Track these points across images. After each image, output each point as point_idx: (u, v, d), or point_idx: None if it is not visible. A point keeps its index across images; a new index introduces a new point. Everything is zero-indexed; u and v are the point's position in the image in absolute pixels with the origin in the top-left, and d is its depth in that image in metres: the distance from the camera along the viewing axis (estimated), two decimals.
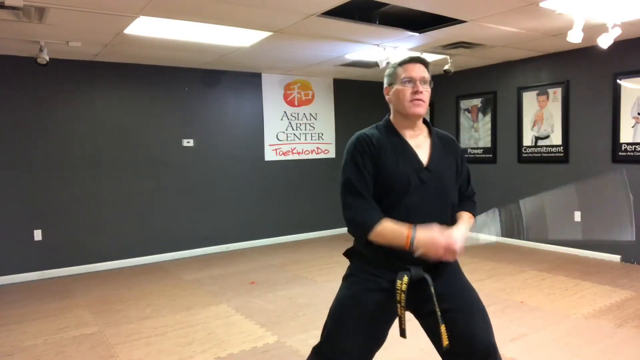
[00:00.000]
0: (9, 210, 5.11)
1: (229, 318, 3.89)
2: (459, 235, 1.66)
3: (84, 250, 5.51)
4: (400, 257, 1.67)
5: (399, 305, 1.67)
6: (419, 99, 1.75)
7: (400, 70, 1.79)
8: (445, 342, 1.67)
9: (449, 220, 1.77)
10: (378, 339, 1.80)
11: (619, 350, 3.10)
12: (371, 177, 1.72)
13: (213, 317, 3.93)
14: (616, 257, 5.33)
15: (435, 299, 1.68)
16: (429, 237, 1.62)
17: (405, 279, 1.66)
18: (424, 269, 1.70)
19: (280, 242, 6.89)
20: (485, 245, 1.79)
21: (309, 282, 4.84)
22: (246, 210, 6.63)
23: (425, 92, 1.77)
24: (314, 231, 7.13)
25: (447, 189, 1.80)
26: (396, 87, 1.79)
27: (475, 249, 6.08)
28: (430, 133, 1.86)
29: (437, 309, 1.68)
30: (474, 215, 1.89)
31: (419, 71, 1.77)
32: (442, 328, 1.67)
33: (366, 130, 1.83)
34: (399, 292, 1.66)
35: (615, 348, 3.13)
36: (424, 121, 1.89)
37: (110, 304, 4.34)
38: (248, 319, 3.85)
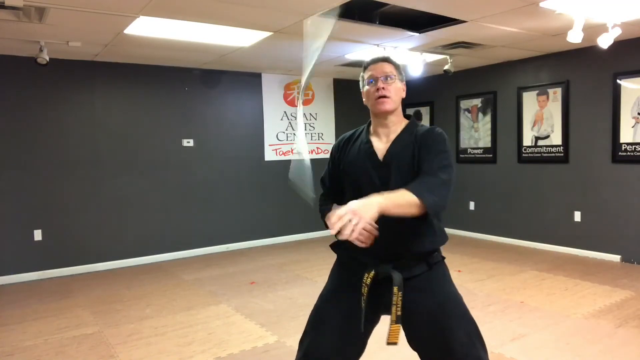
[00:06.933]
0: (9, 210, 5.11)
1: (229, 318, 3.89)
2: (352, 205, 1.46)
3: (84, 250, 5.51)
4: (367, 252, 1.67)
5: (362, 298, 1.71)
6: (382, 96, 1.77)
7: (365, 73, 1.84)
8: (391, 339, 1.65)
9: None
10: (354, 336, 1.76)
11: (619, 350, 3.10)
12: (334, 171, 1.92)
13: (213, 317, 3.93)
14: (616, 257, 5.33)
15: (399, 298, 1.65)
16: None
17: (372, 273, 1.70)
18: (400, 270, 1.69)
19: (280, 242, 6.89)
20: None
21: (309, 282, 4.84)
22: (246, 210, 6.63)
23: (390, 87, 1.78)
24: (314, 231, 7.13)
25: (404, 181, 1.68)
26: (364, 89, 1.86)
27: (475, 249, 6.08)
28: (406, 129, 1.81)
29: (396, 307, 1.66)
30: (418, 195, 1.56)
31: (381, 68, 1.80)
32: (393, 327, 1.65)
33: (350, 130, 1.97)
34: (364, 285, 1.71)
35: (615, 348, 3.13)
36: (409, 118, 1.87)
37: (110, 304, 4.34)
38: (248, 319, 3.85)
